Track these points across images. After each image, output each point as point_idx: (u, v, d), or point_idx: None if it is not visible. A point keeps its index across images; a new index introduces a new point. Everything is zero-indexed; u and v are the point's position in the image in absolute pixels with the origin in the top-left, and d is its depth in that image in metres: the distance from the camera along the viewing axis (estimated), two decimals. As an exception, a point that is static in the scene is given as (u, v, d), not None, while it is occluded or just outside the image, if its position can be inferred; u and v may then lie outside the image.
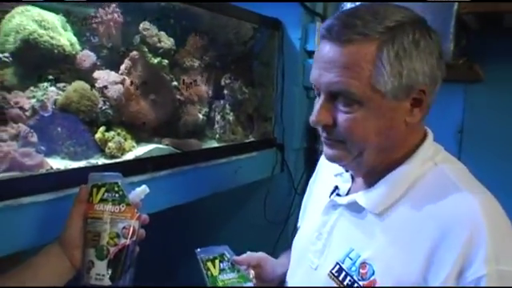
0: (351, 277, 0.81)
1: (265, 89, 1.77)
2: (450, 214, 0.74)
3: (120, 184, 0.90)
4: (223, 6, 1.50)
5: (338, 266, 0.84)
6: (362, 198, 0.85)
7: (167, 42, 1.43)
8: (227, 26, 1.64)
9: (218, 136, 1.58)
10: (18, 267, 0.84)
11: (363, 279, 0.79)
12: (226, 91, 1.61)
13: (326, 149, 0.87)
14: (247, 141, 1.67)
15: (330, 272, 0.84)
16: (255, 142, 1.69)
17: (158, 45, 1.40)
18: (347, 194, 0.92)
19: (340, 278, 0.82)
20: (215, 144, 1.57)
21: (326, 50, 0.79)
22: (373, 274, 0.78)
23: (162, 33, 1.43)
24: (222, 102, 1.59)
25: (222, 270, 1.01)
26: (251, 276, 1.04)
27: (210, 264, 1.01)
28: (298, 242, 1.02)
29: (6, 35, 1.09)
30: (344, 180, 0.95)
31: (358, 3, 1.67)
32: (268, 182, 1.73)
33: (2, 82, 1.05)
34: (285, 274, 1.05)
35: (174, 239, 1.54)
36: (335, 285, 0.83)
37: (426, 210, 0.77)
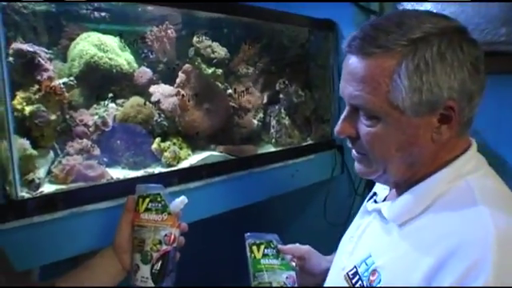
0: (362, 281, 0.81)
1: (321, 91, 1.76)
2: (461, 236, 0.69)
3: (162, 194, 0.98)
4: (274, 14, 1.53)
5: (354, 270, 0.85)
6: (386, 208, 0.84)
7: (220, 51, 1.50)
8: (280, 31, 1.67)
9: (274, 140, 1.61)
10: (76, 268, 0.95)
11: (370, 286, 0.79)
12: (281, 95, 1.63)
13: (355, 164, 0.87)
14: (305, 144, 1.68)
15: (347, 274, 0.86)
16: (313, 145, 1.69)
17: (212, 55, 1.48)
18: (383, 200, 0.92)
19: (353, 281, 0.84)
20: (272, 148, 1.61)
21: (349, 62, 0.79)
22: (379, 282, 0.78)
23: (216, 43, 1.50)
24: (277, 106, 1.62)
25: (265, 255, 1.05)
26: (294, 264, 1.06)
27: (254, 247, 1.06)
28: (341, 241, 1.04)
29: (73, 60, 1.23)
30: (383, 187, 0.95)
31: (414, 3, 1.63)
32: (328, 184, 1.73)
33: (69, 103, 1.18)
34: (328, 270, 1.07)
35: (237, 242, 1.60)
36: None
37: (440, 227, 0.73)
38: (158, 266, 0.93)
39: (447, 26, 0.75)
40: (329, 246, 1.58)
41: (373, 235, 0.88)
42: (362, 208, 0.99)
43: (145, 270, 0.93)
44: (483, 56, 0.77)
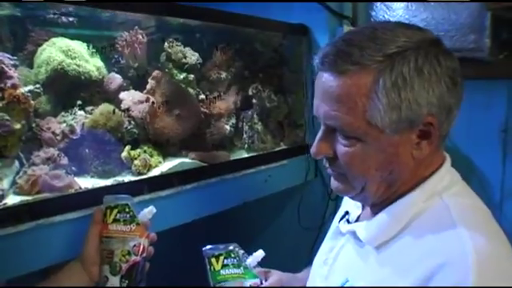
0: None
1: (295, 95, 1.76)
2: (440, 258, 0.68)
3: (130, 205, 0.98)
4: (247, 19, 1.52)
5: None
6: (361, 229, 0.82)
7: (192, 57, 1.48)
8: (253, 36, 1.67)
9: (246, 146, 1.60)
10: (44, 282, 0.93)
11: None
12: (254, 100, 1.63)
13: (331, 180, 0.85)
14: (278, 149, 1.68)
15: None
16: (286, 150, 1.69)
17: (184, 60, 1.46)
18: (356, 220, 0.90)
19: None
20: (245, 153, 1.60)
21: (322, 80, 0.75)
22: None
23: (187, 48, 1.48)
24: (249, 111, 1.61)
25: (224, 266, 1.02)
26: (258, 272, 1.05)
27: (213, 260, 1.03)
28: (315, 262, 1.01)
29: (39, 67, 1.20)
30: (356, 206, 0.92)
31: (388, 3, 1.65)
32: (302, 189, 1.74)
33: (36, 111, 1.15)
34: None
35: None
36: None
37: (419, 249, 0.72)
38: (127, 276, 0.93)
39: (423, 39, 0.73)
40: (303, 250, 1.60)
41: (348, 258, 0.85)
42: (333, 228, 0.96)
43: (114, 282, 0.93)
44: (459, 67, 0.75)
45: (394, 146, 0.73)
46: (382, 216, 0.79)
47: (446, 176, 0.79)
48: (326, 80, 0.74)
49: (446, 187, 0.77)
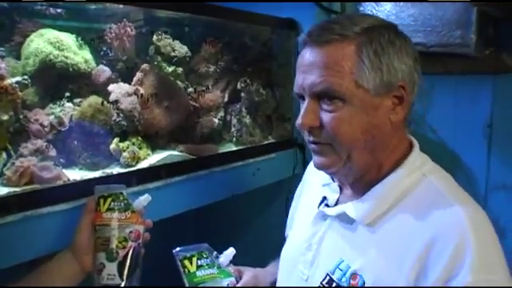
0: (341, 287, 0.82)
1: (283, 89, 1.77)
2: (439, 225, 0.76)
3: (124, 193, 0.99)
4: (237, 13, 1.52)
5: (328, 277, 0.85)
6: (351, 209, 0.86)
7: (181, 50, 1.48)
8: (242, 30, 1.67)
9: (235, 139, 1.61)
10: (33, 272, 0.93)
11: None
12: (242, 94, 1.64)
13: (314, 157, 0.88)
14: (266, 142, 1.69)
15: (321, 283, 0.86)
16: (274, 143, 1.71)
17: (172, 54, 1.46)
18: (336, 204, 0.93)
19: None
20: (233, 147, 1.61)
21: (307, 54, 0.83)
22: (363, 284, 0.80)
23: (176, 41, 1.48)
24: (238, 105, 1.62)
25: (199, 267, 1.02)
26: (232, 270, 1.05)
27: (186, 262, 1.03)
28: (287, 252, 1.03)
29: (27, 58, 1.19)
30: (332, 190, 0.96)
31: (374, 4, 1.66)
32: (290, 182, 1.75)
33: (23, 102, 1.15)
34: (274, 283, 1.07)
35: (199, 241, 1.61)
36: None
37: (416, 221, 0.78)
38: (124, 262, 0.94)
39: (387, 23, 0.86)
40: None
41: (337, 240, 0.88)
42: (311, 215, 0.96)
43: (111, 268, 0.93)
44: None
45: (375, 109, 0.81)
46: (371, 194, 0.85)
47: (420, 157, 0.89)
48: (311, 52, 0.83)
49: (422, 163, 0.87)
